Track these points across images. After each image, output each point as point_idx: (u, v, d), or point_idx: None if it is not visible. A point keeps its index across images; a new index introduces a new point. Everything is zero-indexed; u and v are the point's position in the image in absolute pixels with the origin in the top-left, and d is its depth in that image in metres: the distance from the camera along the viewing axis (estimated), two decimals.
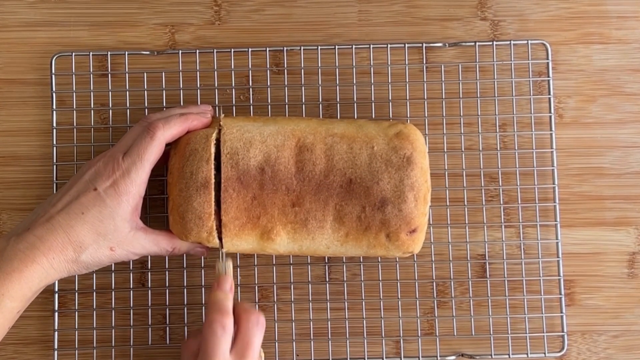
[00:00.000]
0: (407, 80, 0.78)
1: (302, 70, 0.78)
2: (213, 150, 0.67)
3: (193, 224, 0.67)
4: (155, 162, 0.67)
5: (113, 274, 0.76)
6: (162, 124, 0.67)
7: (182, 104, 0.76)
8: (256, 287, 0.76)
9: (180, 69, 0.77)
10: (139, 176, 0.65)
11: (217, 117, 0.70)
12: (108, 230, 0.65)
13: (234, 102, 0.77)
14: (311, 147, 0.68)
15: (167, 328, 0.76)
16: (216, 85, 0.77)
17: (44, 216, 0.65)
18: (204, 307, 0.76)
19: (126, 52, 0.77)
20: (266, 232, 0.68)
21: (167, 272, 0.76)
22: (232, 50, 0.77)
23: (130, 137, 0.68)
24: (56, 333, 0.75)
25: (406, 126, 0.70)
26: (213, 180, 0.66)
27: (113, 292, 0.76)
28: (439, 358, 0.76)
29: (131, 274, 0.76)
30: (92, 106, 0.77)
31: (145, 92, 0.77)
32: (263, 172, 0.67)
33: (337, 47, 0.77)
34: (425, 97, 0.78)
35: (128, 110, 0.77)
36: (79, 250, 0.64)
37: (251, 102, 0.77)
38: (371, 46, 0.77)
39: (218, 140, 0.68)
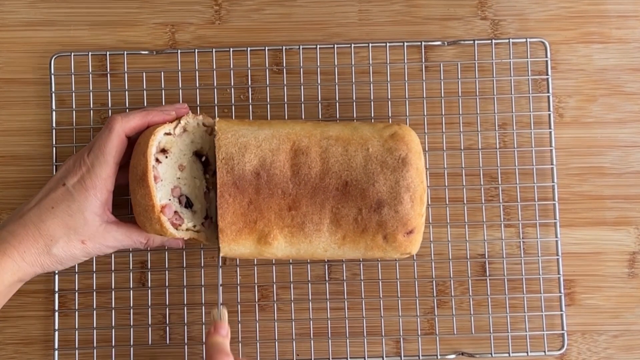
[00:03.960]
0: (406, 79, 0.78)
1: (302, 70, 0.78)
2: (155, 143, 0.67)
3: (143, 217, 0.67)
4: (121, 156, 0.68)
5: (113, 274, 0.76)
6: (120, 117, 0.68)
7: (181, 103, 0.75)
8: (256, 287, 0.77)
9: (180, 68, 0.77)
10: (103, 170, 0.67)
11: (190, 115, 0.71)
12: (78, 224, 0.66)
13: (233, 102, 0.77)
14: (306, 150, 0.68)
15: (167, 328, 0.76)
16: (215, 84, 0.77)
17: (18, 214, 0.67)
18: (203, 307, 0.76)
19: (125, 52, 0.77)
20: (263, 237, 0.68)
21: (167, 272, 0.76)
22: (232, 49, 0.77)
23: (97, 136, 0.69)
24: (56, 333, 0.75)
25: (401, 127, 0.70)
26: (151, 174, 0.66)
27: (113, 292, 0.76)
28: (439, 357, 0.76)
29: (131, 274, 0.76)
30: (91, 106, 0.77)
31: (145, 91, 0.77)
32: (259, 176, 0.67)
33: (336, 46, 0.77)
34: (425, 96, 0.78)
35: (127, 110, 0.77)
36: (50, 244, 0.66)
37: (250, 101, 0.77)
38: (370, 45, 0.77)
39: (168, 134, 0.68)
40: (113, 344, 0.75)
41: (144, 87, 0.77)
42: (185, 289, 0.76)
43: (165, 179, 0.68)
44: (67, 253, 0.67)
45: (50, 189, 0.67)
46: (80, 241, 0.67)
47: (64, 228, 0.66)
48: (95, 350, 0.75)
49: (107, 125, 0.68)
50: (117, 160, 0.68)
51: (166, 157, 0.69)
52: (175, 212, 0.68)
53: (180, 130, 0.69)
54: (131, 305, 0.76)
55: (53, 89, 0.77)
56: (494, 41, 0.78)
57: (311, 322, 0.76)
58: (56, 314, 0.75)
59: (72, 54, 0.77)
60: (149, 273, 0.76)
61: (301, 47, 0.77)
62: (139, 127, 0.69)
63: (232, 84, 0.77)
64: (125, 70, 0.77)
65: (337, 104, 0.77)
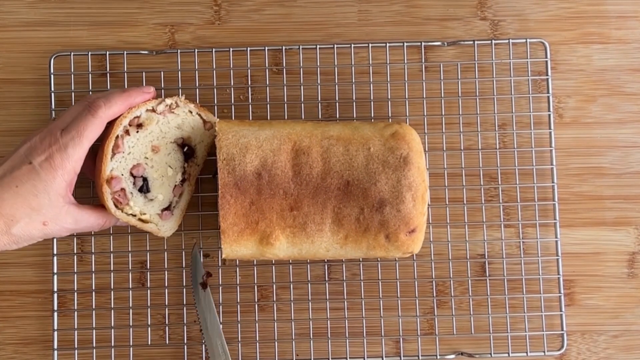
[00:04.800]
0: (406, 80, 0.78)
1: (302, 70, 0.78)
2: (131, 115, 0.67)
3: (96, 181, 0.67)
4: (95, 139, 0.67)
5: (112, 274, 0.76)
6: (104, 102, 0.66)
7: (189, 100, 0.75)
8: (255, 287, 0.76)
9: (179, 68, 0.77)
10: (76, 152, 0.65)
11: (181, 98, 0.71)
12: (42, 205, 0.64)
13: (232, 102, 0.77)
14: (307, 150, 0.68)
15: (167, 328, 0.76)
16: (215, 84, 0.77)
17: None
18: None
19: (125, 52, 0.77)
20: (265, 237, 0.68)
21: (166, 272, 0.76)
22: (231, 49, 0.77)
23: (69, 114, 0.67)
24: (55, 333, 0.75)
25: (402, 126, 0.70)
26: (112, 141, 0.66)
27: (112, 292, 0.76)
28: (438, 357, 0.76)
29: (130, 274, 0.76)
30: None
31: None
32: (260, 177, 0.67)
33: (335, 46, 0.77)
34: (424, 97, 0.78)
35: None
36: (10, 224, 0.63)
37: (250, 101, 0.77)
38: (370, 45, 0.77)
39: (151, 111, 0.68)
40: (112, 344, 0.75)
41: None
42: (184, 289, 0.76)
43: (128, 153, 0.67)
44: (26, 233, 0.65)
45: (13, 167, 0.64)
46: (41, 222, 0.65)
47: (27, 208, 0.64)
48: (94, 350, 0.75)
49: (90, 110, 0.66)
50: (91, 143, 0.66)
51: (138, 131, 0.67)
52: (123, 189, 0.67)
53: (164, 108, 0.68)
54: (130, 305, 0.76)
55: (52, 89, 0.77)
56: (493, 41, 0.78)
57: (311, 322, 0.76)
58: (55, 314, 0.75)
59: (72, 54, 0.77)
60: (148, 273, 0.76)
61: (301, 47, 0.77)
62: (121, 112, 0.68)
63: (232, 84, 0.77)
64: (125, 70, 0.77)
65: (337, 104, 0.77)
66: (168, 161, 0.69)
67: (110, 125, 0.68)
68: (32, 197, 0.64)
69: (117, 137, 0.66)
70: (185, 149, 0.69)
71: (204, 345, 0.74)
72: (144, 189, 0.68)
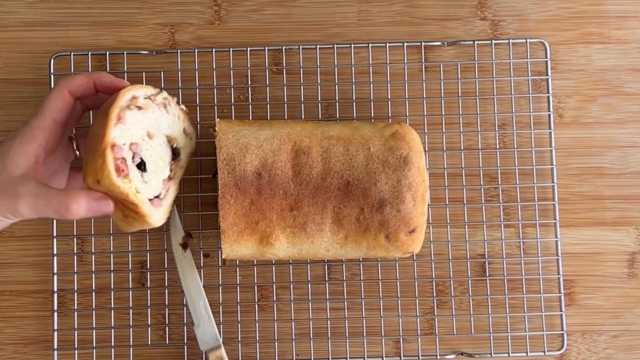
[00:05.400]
0: (406, 80, 0.78)
1: (301, 70, 0.78)
2: (135, 91, 0.64)
3: (91, 149, 0.62)
4: (62, 115, 0.64)
5: (112, 274, 0.76)
6: (65, 76, 0.65)
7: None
8: (255, 287, 0.76)
9: (179, 68, 0.77)
10: (35, 120, 0.62)
11: (174, 100, 0.68)
12: None
13: (232, 102, 0.77)
14: (307, 150, 0.68)
15: (167, 328, 0.76)
16: (215, 84, 0.77)
17: None
18: None
19: (125, 52, 0.77)
20: (265, 237, 0.68)
21: (166, 272, 0.76)
22: (231, 49, 0.77)
23: None
24: (55, 333, 0.75)
25: (402, 126, 0.70)
26: (118, 108, 0.62)
27: (112, 292, 0.76)
28: (438, 357, 0.76)
29: (130, 274, 0.76)
30: None
31: None
32: (260, 177, 0.67)
33: (335, 46, 0.77)
34: (424, 97, 0.78)
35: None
36: None
37: (250, 101, 0.77)
38: (370, 45, 0.77)
39: (149, 99, 0.65)
40: (112, 344, 0.75)
41: None
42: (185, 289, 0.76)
43: (128, 129, 0.63)
44: None
45: None
46: None
47: None
48: (94, 350, 0.75)
49: (54, 85, 0.65)
50: (56, 117, 0.64)
51: (139, 109, 0.64)
52: (124, 159, 0.62)
53: (161, 100, 0.67)
54: (130, 305, 0.76)
55: None
56: (493, 42, 0.78)
57: (311, 322, 0.76)
58: (55, 314, 0.75)
59: (72, 53, 0.77)
60: (148, 273, 0.76)
61: (301, 47, 0.77)
62: (84, 83, 0.65)
63: (232, 84, 0.77)
64: (125, 70, 0.77)
65: (337, 104, 0.77)
66: (160, 152, 0.67)
67: (113, 99, 0.63)
68: None
69: (123, 108, 0.63)
70: (174, 146, 0.68)
71: (185, 308, 0.74)
72: (142, 167, 0.65)
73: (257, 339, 0.75)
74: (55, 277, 0.75)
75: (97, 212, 0.61)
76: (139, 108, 0.64)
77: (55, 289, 0.75)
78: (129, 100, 0.63)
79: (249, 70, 0.78)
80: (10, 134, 0.63)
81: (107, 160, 0.60)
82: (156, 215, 0.65)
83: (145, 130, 0.65)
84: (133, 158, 0.64)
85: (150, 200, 0.65)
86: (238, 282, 0.76)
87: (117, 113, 0.62)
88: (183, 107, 0.70)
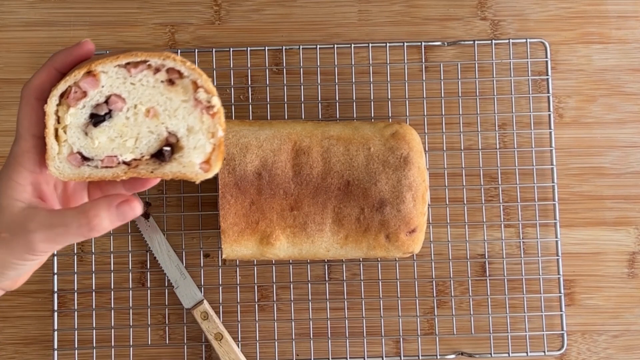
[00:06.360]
0: (406, 80, 0.78)
1: (302, 70, 0.78)
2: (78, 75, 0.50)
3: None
4: (41, 126, 0.51)
5: (112, 274, 0.76)
6: (25, 82, 0.52)
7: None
8: (255, 287, 0.76)
9: None
10: (16, 146, 0.51)
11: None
12: None
13: (232, 102, 0.77)
14: (308, 150, 0.68)
15: (167, 328, 0.76)
16: (215, 84, 0.77)
17: None
18: None
19: None
20: (265, 237, 0.68)
21: (166, 272, 0.76)
22: (231, 49, 0.77)
23: None
24: (56, 333, 0.75)
25: (402, 126, 0.70)
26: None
27: (112, 292, 0.76)
28: (438, 357, 0.76)
29: (130, 274, 0.76)
30: None
31: None
32: (260, 177, 0.67)
33: (336, 46, 0.77)
34: (425, 97, 0.78)
35: None
36: None
37: (250, 101, 0.77)
38: (370, 45, 0.77)
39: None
40: (112, 344, 0.75)
41: None
42: None
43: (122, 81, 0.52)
44: None
45: None
46: None
47: None
48: (94, 350, 0.75)
49: (20, 96, 0.52)
50: (35, 131, 0.51)
51: (147, 72, 0.52)
52: (85, 93, 0.51)
53: (163, 76, 0.52)
54: (130, 305, 0.76)
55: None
56: (493, 41, 0.78)
57: (311, 322, 0.76)
58: (55, 314, 0.75)
59: None
60: (149, 273, 0.76)
61: (301, 47, 0.77)
62: (46, 79, 0.52)
63: (232, 84, 0.77)
64: None
65: (337, 104, 0.77)
66: (141, 132, 0.53)
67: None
68: None
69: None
70: (165, 147, 0.53)
71: (166, 276, 0.75)
72: (99, 118, 0.52)
73: (257, 338, 0.75)
74: (56, 277, 0.75)
75: (123, 219, 0.51)
76: (157, 71, 0.52)
77: (56, 289, 0.75)
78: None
79: (249, 70, 0.78)
80: None
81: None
82: (55, 164, 0.52)
83: (142, 101, 0.52)
84: (98, 106, 0.51)
85: (70, 150, 0.52)
86: (238, 282, 0.76)
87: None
88: (215, 102, 0.53)
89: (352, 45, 0.78)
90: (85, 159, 0.53)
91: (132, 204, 0.51)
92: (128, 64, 0.52)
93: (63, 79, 0.51)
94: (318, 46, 0.77)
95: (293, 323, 0.76)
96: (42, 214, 0.50)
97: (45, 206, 0.52)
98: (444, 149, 0.77)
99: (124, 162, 0.53)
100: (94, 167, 0.53)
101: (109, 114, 0.52)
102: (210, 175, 0.53)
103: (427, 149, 0.77)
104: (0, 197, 0.51)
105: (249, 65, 0.78)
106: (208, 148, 0.53)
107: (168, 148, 0.53)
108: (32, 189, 0.52)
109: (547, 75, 0.78)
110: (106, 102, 0.52)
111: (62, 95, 0.51)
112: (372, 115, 0.77)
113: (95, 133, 0.52)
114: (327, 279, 0.77)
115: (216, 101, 0.53)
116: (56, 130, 0.52)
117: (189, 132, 0.53)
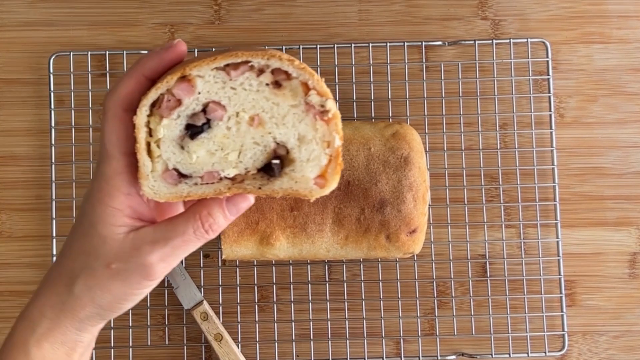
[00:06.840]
0: (407, 80, 0.78)
1: None
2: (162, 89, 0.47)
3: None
4: (128, 143, 0.48)
5: None
6: (108, 92, 0.48)
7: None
8: (255, 287, 0.76)
9: None
10: (106, 167, 0.48)
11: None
12: (96, 244, 0.48)
13: None
14: None
15: (167, 329, 0.76)
16: None
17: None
18: None
19: (124, 52, 0.77)
20: (265, 238, 0.68)
21: None
22: None
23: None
24: None
25: (402, 126, 0.70)
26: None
27: None
28: (439, 358, 0.76)
29: None
30: (90, 106, 0.77)
31: None
32: None
33: (336, 46, 0.77)
34: (425, 96, 0.78)
35: None
36: (69, 283, 0.49)
37: None
38: (370, 45, 0.77)
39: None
40: (112, 345, 0.75)
41: None
42: None
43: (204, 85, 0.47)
44: (98, 290, 0.48)
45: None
46: (106, 266, 0.48)
47: (82, 255, 0.48)
48: (94, 350, 0.75)
49: (103, 108, 0.49)
50: (125, 149, 0.48)
51: (249, 74, 0.47)
52: (180, 101, 0.47)
53: (266, 76, 0.48)
54: None
55: (52, 89, 0.77)
56: (494, 41, 0.77)
57: (311, 322, 0.76)
58: None
59: (71, 53, 0.77)
60: None
61: (301, 47, 0.77)
62: (135, 89, 0.48)
63: None
64: (125, 70, 0.77)
65: (337, 104, 0.77)
66: (245, 143, 0.48)
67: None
68: (83, 240, 0.49)
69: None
70: (274, 160, 0.48)
71: (166, 277, 0.74)
72: (197, 129, 0.47)
73: (257, 339, 0.75)
74: None
75: (237, 212, 0.50)
76: (259, 72, 0.48)
77: None
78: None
79: None
80: (86, 191, 0.50)
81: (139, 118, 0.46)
82: (149, 184, 0.48)
83: (245, 108, 0.48)
84: (194, 115, 0.47)
85: (165, 167, 0.48)
86: (238, 283, 0.76)
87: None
88: (330, 106, 0.48)
89: (353, 45, 0.77)
90: (182, 176, 0.48)
91: (242, 195, 0.49)
92: (227, 65, 0.47)
93: (154, 86, 0.46)
94: (318, 46, 0.77)
95: (293, 324, 0.76)
96: (150, 233, 0.48)
97: (147, 224, 0.49)
98: (445, 149, 0.77)
99: (227, 177, 0.48)
100: (193, 184, 0.48)
101: (208, 124, 0.47)
102: (326, 191, 0.48)
103: (427, 149, 0.76)
104: (100, 227, 0.48)
105: None
106: (323, 160, 0.48)
107: (277, 161, 0.48)
108: (129, 212, 0.49)
109: (548, 75, 0.78)
110: (204, 110, 0.47)
111: (153, 105, 0.47)
112: (373, 115, 0.77)
113: (192, 146, 0.47)
114: (327, 279, 0.77)
115: (331, 105, 0.48)
116: (148, 144, 0.47)
117: (300, 142, 0.48)
